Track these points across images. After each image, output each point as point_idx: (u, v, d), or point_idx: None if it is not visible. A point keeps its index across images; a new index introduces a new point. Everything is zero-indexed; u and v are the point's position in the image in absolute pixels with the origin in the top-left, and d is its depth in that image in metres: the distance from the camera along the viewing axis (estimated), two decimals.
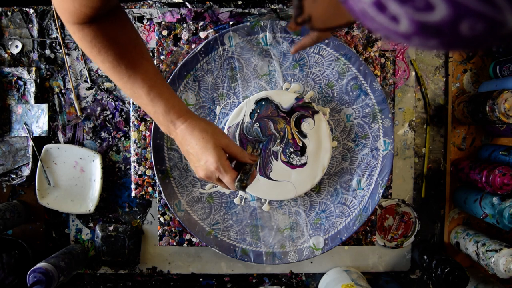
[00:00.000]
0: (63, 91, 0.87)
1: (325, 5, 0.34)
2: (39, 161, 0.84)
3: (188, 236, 0.86)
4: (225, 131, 0.80)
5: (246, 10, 0.86)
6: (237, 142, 0.80)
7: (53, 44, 0.87)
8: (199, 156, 0.57)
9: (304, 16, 0.33)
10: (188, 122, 0.58)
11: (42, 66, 0.87)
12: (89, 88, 0.87)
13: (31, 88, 0.86)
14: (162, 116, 0.58)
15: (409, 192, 0.89)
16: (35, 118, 0.86)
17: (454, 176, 0.89)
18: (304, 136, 0.80)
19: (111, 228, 0.86)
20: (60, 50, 0.86)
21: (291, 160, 0.80)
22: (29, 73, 0.85)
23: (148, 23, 0.86)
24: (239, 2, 0.86)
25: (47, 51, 0.87)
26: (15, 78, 0.86)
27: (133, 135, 0.85)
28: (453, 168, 0.88)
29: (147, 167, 0.85)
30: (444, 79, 0.89)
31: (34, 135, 0.86)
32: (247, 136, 0.80)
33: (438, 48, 0.24)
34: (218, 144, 0.57)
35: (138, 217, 0.89)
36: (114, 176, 0.88)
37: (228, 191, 0.84)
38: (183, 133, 0.58)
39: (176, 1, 0.86)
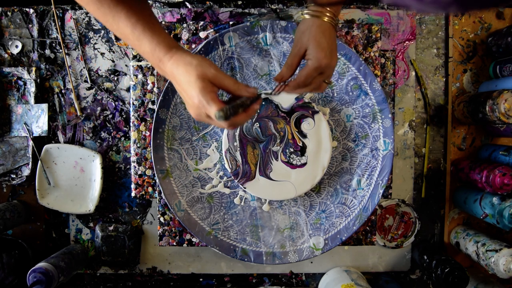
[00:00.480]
0: (63, 91, 0.87)
1: None
2: (39, 161, 0.84)
3: (188, 236, 0.86)
4: (225, 131, 0.80)
5: (246, 10, 0.86)
6: (237, 142, 0.80)
7: (53, 44, 0.87)
8: (187, 93, 0.53)
9: None
10: (175, 57, 0.54)
11: (42, 66, 0.87)
12: (89, 88, 0.87)
13: (31, 88, 0.86)
14: (151, 55, 0.54)
15: (409, 192, 0.89)
16: (35, 118, 0.86)
17: (454, 176, 0.89)
18: (304, 136, 0.80)
19: (111, 228, 0.86)
20: (60, 50, 0.86)
21: (291, 160, 0.80)
22: (29, 73, 0.85)
23: None
24: (239, 2, 0.86)
25: (47, 51, 0.87)
26: (15, 78, 0.86)
27: (133, 135, 0.85)
28: (453, 168, 0.88)
29: (147, 167, 0.85)
30: (444, 79, 0.89)
31: (34, 135, 0.86)
32: (247, 136, 0.80)
33: (453, 7, 0.21)
34: (202, 76, 0.52)
35: (138, 217, 0.89)
36: (114, 176, 0.88)
37: (228, 190, 0.84)
38: (171, 70, 0.54)
39: (176, 1, 0.86)
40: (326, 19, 0.60)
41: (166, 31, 0.81)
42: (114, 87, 0.87)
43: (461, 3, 0.21)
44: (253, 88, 0.55)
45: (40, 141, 0.87)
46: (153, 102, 0.84)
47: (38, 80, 0.86)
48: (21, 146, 0.86)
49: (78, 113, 0.87)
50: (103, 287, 0.90)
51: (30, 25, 0.86)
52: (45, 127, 0.86)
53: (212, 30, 0.84)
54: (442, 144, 0.90)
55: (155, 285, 0.91)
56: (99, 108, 0.87)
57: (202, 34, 0.84)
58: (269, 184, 0.80)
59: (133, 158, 0.85)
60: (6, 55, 0.86)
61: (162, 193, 0.82)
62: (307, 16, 0.62)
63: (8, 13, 0.86)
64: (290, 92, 0.62)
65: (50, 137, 0.87)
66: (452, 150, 0.89)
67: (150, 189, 0.86)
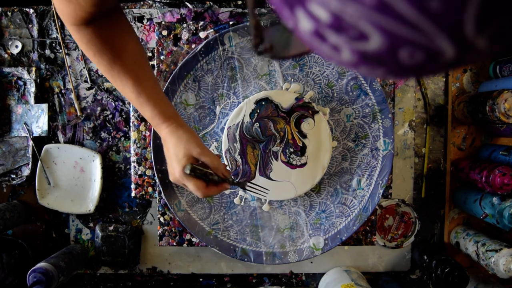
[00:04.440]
0: (63, 91, 0.87)
1: (287, 34, 0.33)
2: (39, 161, 0.84)
3: (188, 236, 0.86)
4: (225, 131, 0.80)
5: (246, 10, 0.86)
6: (238, 142, 0.80)
7: (53, 44, 0.87)
8: (171, 161, 0.62)
9: (265, 45, 0.33)
10: (170, 128, 0.62)
11: (42, 66, 0.87)
12: (89, 88, 0.87)
13: (31, 88, 0.86)
14: (151, 120, 0.62)
15: (409, 192, 0.89)
16: (35, 118, 0.86)
17: (454, 176, 0.89)
18: (304, 136, 0.80)
19: (111, 228, 0.86)
20: (60, 50, 0.86)
21: (291, 160, 0.80)
22: (29, 73, 0.85)
23: (148, 23, 0.86)
24: (239, 2, 0.86)
25: (47, 51, 0.87)
26: (15, 78, 0.86)
27: (133, 135, 0.85)
28: (453, 168, 0.88)
29: (147, 167, 0.85)
30: (444, 79, 0.89)
31: (34, 135, 0.86)
32: (247, 136, 0.80)
33: (386, 77, 0.23)
34: (187, 154, 0.60)
35: (138, 217, 0.89)
36: (114, 176, 0.88)
37: (228, 190, 0.84)
38: (165, 136, 0.63)
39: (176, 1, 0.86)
40: None
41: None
42: (114, 87, 0.87)
43: (393, 75, 0.23)
44: (228, 173, 0.63)
45: (40, 141, 0.87)
46: None
47: (38, 80, 0.86)
48: (21, 146, 0.86)
49: (78, 113, 0.87)
50: (103, 287, 0.90)
51: (30, 25, 0.86)
52: (45, 127, 0.86)
53: (212, 30, 0.84)
54: (442, 144, 0.90)
55: (155, 285, 0.91)
56: (99, 108, 0.87)
57: (202, 34, 0.84)
58: (269, 184, 0.80)
59: (133, 158, 0.85)
60: (6, 55, 0.86)
61: (162, 193, 0.82)
62: None
63: (8, 13, 0.86)
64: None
65: (50, 137, 0.87)
66: (452, 150, 0.89)
67: (150, 189, 0.86)
